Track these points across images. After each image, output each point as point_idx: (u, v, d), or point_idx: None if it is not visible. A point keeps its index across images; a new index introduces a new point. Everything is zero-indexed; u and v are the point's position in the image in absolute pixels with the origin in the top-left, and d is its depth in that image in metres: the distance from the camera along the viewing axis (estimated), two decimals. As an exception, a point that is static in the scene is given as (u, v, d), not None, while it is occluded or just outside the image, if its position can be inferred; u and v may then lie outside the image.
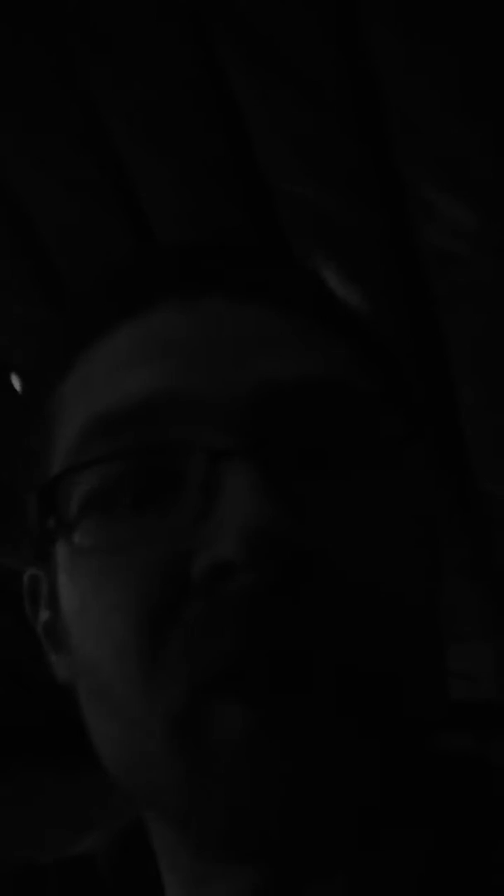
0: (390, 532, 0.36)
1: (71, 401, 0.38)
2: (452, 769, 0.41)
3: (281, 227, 1.19)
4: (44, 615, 0.42)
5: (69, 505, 0.36)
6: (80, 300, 0.46)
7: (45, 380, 0.41)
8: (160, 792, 0.34)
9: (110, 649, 0.34)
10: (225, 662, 0.32)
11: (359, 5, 0.98)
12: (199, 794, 0.33)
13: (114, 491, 0.35)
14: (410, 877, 0.37)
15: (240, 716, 0.32)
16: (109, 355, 0.38)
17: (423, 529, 0.39)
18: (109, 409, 0.36)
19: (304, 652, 0.32)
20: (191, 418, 0.35)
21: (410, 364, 1.28)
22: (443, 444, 1.36)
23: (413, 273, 1.21)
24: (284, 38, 1.02)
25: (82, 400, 0.38)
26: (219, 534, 0.32)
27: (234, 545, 0.31)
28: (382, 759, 0.33)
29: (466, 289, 1.20)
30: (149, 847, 0.41)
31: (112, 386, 0.37)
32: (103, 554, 0.35)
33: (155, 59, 1.07)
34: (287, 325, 0.38)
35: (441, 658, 0.37)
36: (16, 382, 1.45)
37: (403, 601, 0.35)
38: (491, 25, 0.96)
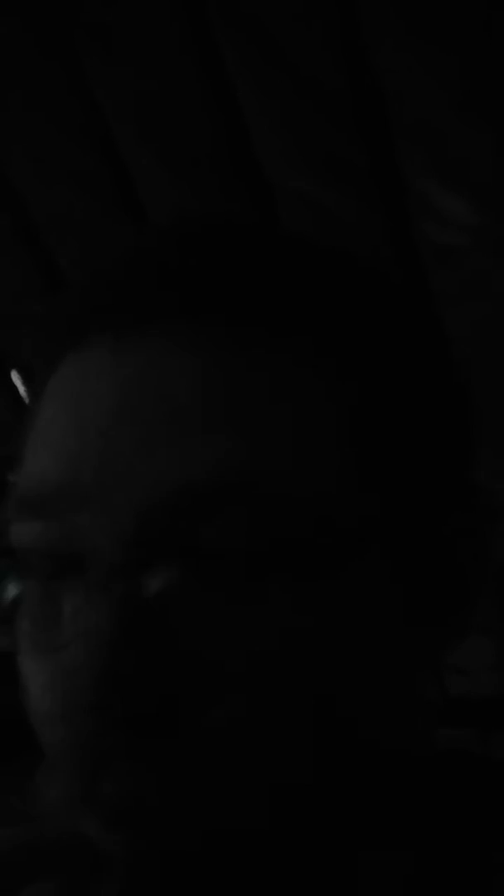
0: (296, 681, 0.31)
1: (28, 440, 0.37)
2: (454, 767, 0.41)
3: (280, 220, 1.19)
4: None
5: (18, 569, 0.35)
6: (43, 319, 0.42)
7: (30, 392, 0.40)
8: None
9: (34, 721, 0.35)
10: (84, 794, 0.32)
11: (359, 2, 0.98)
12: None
13: (28, 584, 0.34)
14: (401, 888, 0.36)
15: (100, 824, 0.32)
16: (48, 401, 0.35)
17: (363, 656, 0.33)
18: (25, 493, 0.34)
19: (131, 812, 0.31)
20: (75, 528, 0.32)
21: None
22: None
23: (412, 268, 1.21)
24: (285, 33, 1.02)
25: (28, 451, 0.36)
26: (78, 664, 0.31)
27: (83, 682, 0.30)
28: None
29: (465, 283, 1.20)
30: None
31: (34, 455, 0.34)
32: (31, 629, 0.35)
33: (156, 55, 1.07)
34: (235, 384, 0.32)
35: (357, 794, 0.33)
36: (16, 379, 1.45)
37: (280, 768, 0.31)
38: (490, 23, 0.95)
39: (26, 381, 1.43)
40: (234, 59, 1.05)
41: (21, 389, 1.43)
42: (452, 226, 1.13)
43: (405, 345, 0.37)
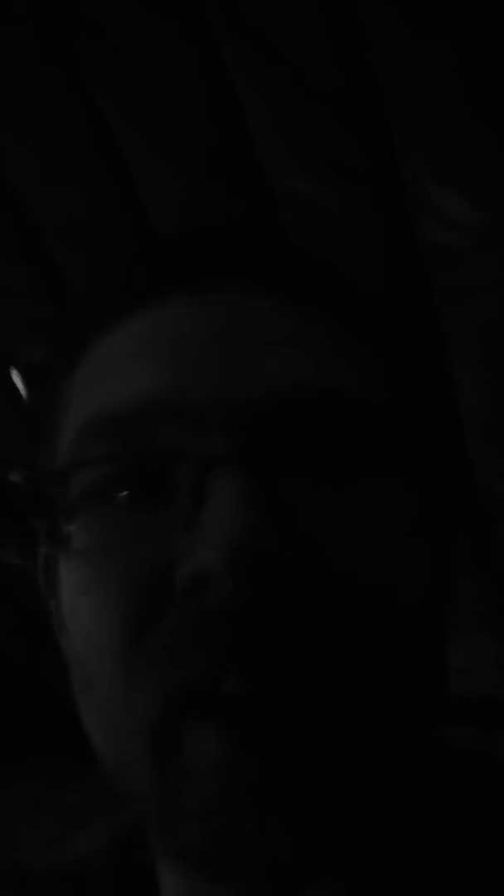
0: (388, 549, 0.35)
1: (79, 393, 0.39)
2: (455, 766, 0.41)
3: (280, 221, 1.19)
4: (52, 600, 0.43)
5: (65, 504, 0.36)
6: (93, 289, 0.46)
7: (57, 368, 0.41)
8: (139, 799, 0.34)
9: (95, 648, 0.34)
10: (201, 674, 0.32)
11: (359, 1, 0.98)
12: (174, 810, 0.33)
13: (107, 493, 0.35)
14: (403, 882, 0.36)
15: (213, 735, 0.31)
16: (116, 348, 0.38)
17: (428, 542, 0.38)
18: (105, 412, 0.36)
19: (285, 670, 0.31)
20: (185, 423, 0.34)
21: (417, 356, 1.28)
22: (443, 440, 1.36)
23: (413, 269, 1.21)
24: (285, 34, 1.02)
25: (87, 395, 0.38)
26: (201, 542, 0.31)
27: (215, 555, 0.31)
28: (360, 782, 0.32)
29: (467, 285, 1.20)
30: (146, 848, 0.41)
31: (112, 385, 0.36)
32: (93, 555, 0.35)
33: (156, 55, 1.07)
34: (295, 323, 0.38)
35: (438, 673, 0.37)
36: (17, 379, 1.45)
37: (396, 624, 0.34)
38: (490, 22, 0.95)
39: (28, 379, 1.43)
40: (234, 60, 1.05)
41: (21, 389, 1.43)
42: (453, 226, 1.13)
43: (407, 336, 0.43)
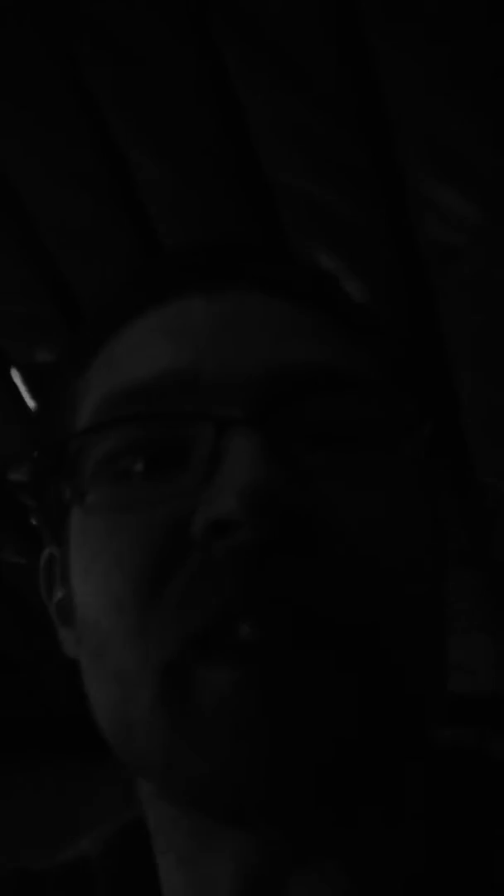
0: (389, 507, 0.37)
1: (97, 378, 0.41)
2: (452, 763, 0.42)
3: (281, 220, 1.19)
4: (58, 594, 0.43)
5: (83, 468, 0.38)
6: (107, 293, 0.49)
7: (73, 364, 0.43)
8: (147, 750, 0.35)
9: (110, 603, 0.36)
10: (217, 613, 0.33)
11: (360, 2, 0.98)
12: (181, 745, 0.33)
13: (125, 457, 0.37)
14: (404, 866, 0.37)
15: (228, 669, 0.33)
16: (133, 338, 0.41)
17: (423, 510, 0.40)
18: (125, 384, 0.38)
19: (298, 607, 0.33)
20: (204, 394, 0.37)
21: (410, 357, 1.28)
22: (442, 437, 1.36)
23: (413, 267, 1.21)
24: (285, 33, 1.02)
25: (103, 377, 0.40)
26: (219, 493, 0.33)
27: (232, 501, 0.33)
28: (374, 719, 0.33)
29: (466, 283, 1.20)
30: (146, 848, 0.42)
31: (131, 363, 0.39)
32: (110, 513, 0.37)
33: (157, 57, 1.07)
34: (303, 318, 0.41)
35: (440, 628, 0.39)
36: (17, 379, 1.45)
37: (399, 571, 0.36)
38: (488, 19, 0.96)
39: (28, 379, 1.43)
40: (235, 60, 1.05)
41: (22, 389, 1.43)
42: (454, 225, 1.13)
43: (403, 334, 0.47)
